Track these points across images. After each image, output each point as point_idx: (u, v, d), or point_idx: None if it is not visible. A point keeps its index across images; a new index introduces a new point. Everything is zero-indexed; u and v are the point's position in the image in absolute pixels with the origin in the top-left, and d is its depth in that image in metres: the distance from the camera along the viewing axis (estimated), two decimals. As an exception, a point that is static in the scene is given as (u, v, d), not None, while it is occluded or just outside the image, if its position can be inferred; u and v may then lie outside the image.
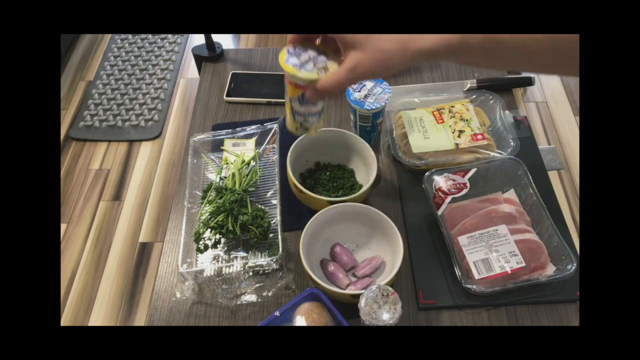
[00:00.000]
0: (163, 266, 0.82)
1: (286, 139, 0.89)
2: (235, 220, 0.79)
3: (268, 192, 0.87)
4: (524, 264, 0.74)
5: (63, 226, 1.82)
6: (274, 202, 0.85)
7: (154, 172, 1.96)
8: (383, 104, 0.85)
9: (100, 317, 1.61)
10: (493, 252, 0.75)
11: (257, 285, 0.78)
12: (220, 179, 0.87)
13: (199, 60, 1.14)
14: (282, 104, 1.04)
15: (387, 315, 0.63)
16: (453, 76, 1.07)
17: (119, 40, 2.46)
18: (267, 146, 0.92)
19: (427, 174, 0.84)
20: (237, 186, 0.83)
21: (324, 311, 0.70)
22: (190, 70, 2.34)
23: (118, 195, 1.90)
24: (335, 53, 0.63)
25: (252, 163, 0.88)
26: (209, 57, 1.13)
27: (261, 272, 0.79)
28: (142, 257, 1.74)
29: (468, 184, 0.83)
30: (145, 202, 1.88)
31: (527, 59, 0.57)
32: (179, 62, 2.36)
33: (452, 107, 0.91)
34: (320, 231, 0.79)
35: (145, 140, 2.07)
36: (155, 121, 2.12)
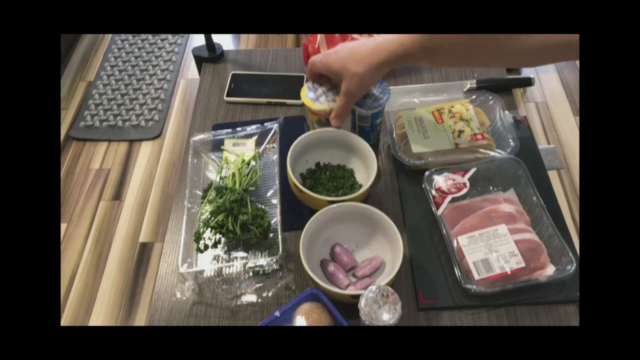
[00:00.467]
0: (163, 266, 0.83)
1: (286, 138, 0.90)
2: (236, 220, 0.79)
3: (268, 192, 0.87)
4: (523, 264, 0.74)
5: (63, 226, 1.82)
6: (274, 202, 0.85)
7: (154, 172, 1.97)
8: (382, 104, 0.85)
9: (100, 317, 1.61)
10: (493, 252, 0.75)
11: (257, 285, 0.78)
12: (221, 178, 0.87)
13: (199, 61, 1.14)
14: (282, 104, 1.04)
15: (387, 316, 0.63)
16: (453, 76, 1.07)
17: (119, 41, 2.46)
18: (267, 146, 0.92)
19: (427, 173, 0.84)
20: (237, 186, 0.83)
21: (324, 311, 0.70)
22: (190, 70, 2.34)
23: (118, 195, 1.90)
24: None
25: (252, 163, 0.88)
26: (209, 57, 1.13)
27: (261, 272, 0.79)
28: (142, 257, 1.74)
29: (468, 184, 0.83)
30: (145, 202, 1.88)
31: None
32: (179, 63, 2.36)
33: (452, 107, 0.91)
34: (320, 231, 0.79)
35: (145, 140, 2.07)
36: (156, 121, 2.12)
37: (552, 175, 1.88)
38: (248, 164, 0.87)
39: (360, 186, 0.85)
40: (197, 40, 2.36)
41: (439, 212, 0.81)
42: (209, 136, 0.93)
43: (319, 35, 1.06)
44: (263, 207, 0.84)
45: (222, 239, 0.81)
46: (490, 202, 0.81)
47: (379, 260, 0.77)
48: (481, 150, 0.86)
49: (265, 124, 0.93)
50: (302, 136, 0.85)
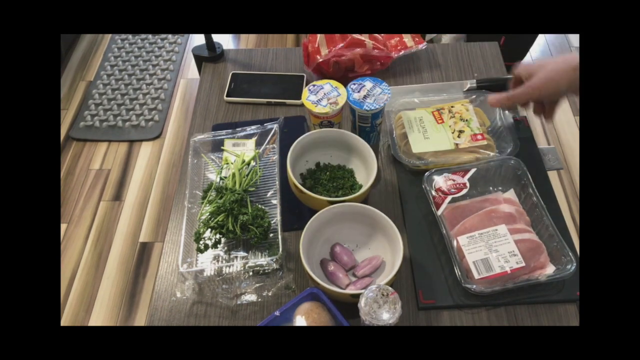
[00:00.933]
0: (163, 266, 0.83)
1: (286, 139, 0.90)
2: (236, 220, 0.79)
3: (268, 192, 0.87)
4: (523, 264, 0.74)
5: (63, 226, 1.82)
6: (274, 202, 0.85)
7: (154, 172, 1.96)
8: (382, 104, 0.85)
9: (100, 317, 1.61)
10: (493, 252, 0.75)
11: (257, 285, 0.78)
12: (221, 179, 0.87)
13: (199, 60, 1.14)
14: (282, 104, 1.04)
15: (387, 315, 0.63)
16: (453, 76, 1.07)
17: (119, 41, 2.46)
18: (267, 146, 0.92)
19: (427, 174, 0.84)
20: (237, 186, 0.83)
21: (324, 311, 0.70)
22: (190, 70, 2.34)
23: (118, 195, 1.90)
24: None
25: (252, 163, 0.88)
26: (209, 57, 1.13)
27: (261, 272, 0.79)
28: (142, 257, 1.74)
29: (468, 184, 0.83)
30: (145, 202, 1.88)
31: None
32: (179, 63, 2.36)
33: (452, 107, 0.91)
34: (320, 231, 0.79)
35: (145, 140, 2.07)
36: (156, 121, 2.12)
37: (552, 176, 1.88)
38: (248, 164, 0.87)
39: (360, 186, 0.85)
40: (197, 39, 2.36)
41: (439, 212, 0.81)
42: (209, 136, 0.93)
43: (318, 35, 1.06)
44: (263, 207, 0.84)
45: (222, 239, 0.81)
46: (490, 202, 0.81)
47: (379, 260, 0.77)
48: (481, 150, 0.86)
49: (265, 124, 0.93)
50: (302, 136, 0.85)
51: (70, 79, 2.32)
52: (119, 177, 1.95)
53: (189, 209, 0.84)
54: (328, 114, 0.85)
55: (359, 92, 0.87)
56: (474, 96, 0.95)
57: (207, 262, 0.81)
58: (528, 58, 2.26)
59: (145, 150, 2.04)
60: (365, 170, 0.86)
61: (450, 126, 0.89)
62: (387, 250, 0.78)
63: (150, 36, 2.48)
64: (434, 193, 0.83)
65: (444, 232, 0.79)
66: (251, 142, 0.92)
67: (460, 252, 0.76)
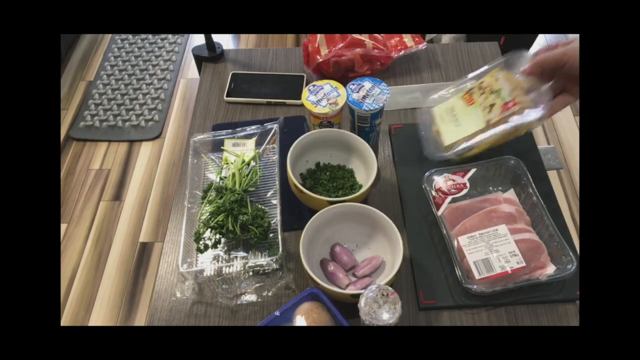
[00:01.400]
0: (163, 266, 0.83)
1: (286, 139, 0.90)
2: (235, 220, 0.79)
3: (268, 192, 0.87)
4: (524, 264, 0.74)
5: (63, 226, 1.82)
6: (274, 202, 0.85)
7: (154, 172, 1.96)
8: (381, 104, 0.85)
9: (100, 317, 1.61)
10: (493, 252, 0.75)
11: (257, 285, 0.78)
12: (221, 179, 0.87)
13: (199, 60, 1.14)
14: (282, 104, 1.04)
15: (387, 315, 0.63)
16: (453, 76, 1.07)
17: (119, 40, 2.46)
18: (267, 146, 0.92)
19: (427, 174, 0.84)
20: (237, 186, 0.83)
21: (324, 311, 0.70)
22: (190, 70, 2.34)
23: (118, 195, 1.90)
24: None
25: (252, 163, 0.88)
26: (209, 57, 1.13)
27: (261, 272, 0.79)
28: (142, 257, 1.74)
29: (468, 184, 0.83)
30: (145, 202, 1.88)
31: None
32: (179, 62, 2.36)
33: (482, 83, 0.83)
34: (320, 231, 0.79)
35: (145, 140, 2.07)
36: (156, 121, 2.12)
37: (552, 175, 1.88)
38: (248, 164, 0.87)
39: (360, 186, 0.85)
40: (197, 39, 2.36)
41: (439, 212, 0.81)
42: (209, 136, 0.93)
43: (318, 35, 1.06)
44: (263, 207, 0.84)
45: (222, 239, 0.81)
46: (490, 202, 0.81)
47: (379, 260, 0.77)
48: (510, 118, 0.78)
49: (265, 124, 0.93)
50: (302, 136, 0.85)
51: (70, 79, 2.32)
52: (119, 177, 1.95)
53: (189, 209, 0.84)
54: (328, 114, 0.85)
55: (357, 92, 0.87)
56: (500, 60, 0.85)
57: (207, 262, 0.81)
58: (528, 58, 2.25)
59: (145, 150, 2.04)
60: (365, 170, 0.86)
61: (480, 104, 0.81)
62: (387, 250, 0.78)
63: (150, 36, 2.48)
64: (434, 193, 0.83)
65: (444, 232, 0.79)
66: (251, 142, 0.92)
67: (461, 252, 0.76)
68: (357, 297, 0.66)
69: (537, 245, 0.76)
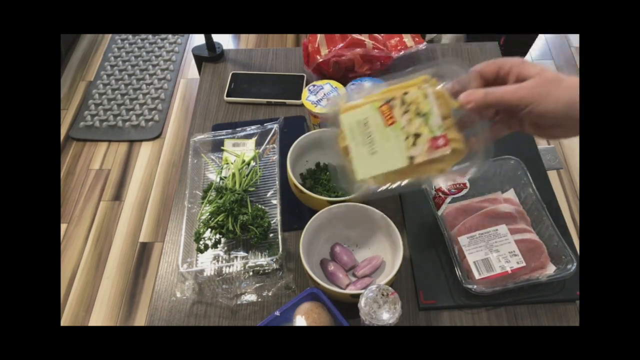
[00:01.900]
0: (163, 266, 0.83)
1: (286, 139, 0.89)
2: (235, 220, 0.79)
3: (268, 192, 0.87)
4: (524, 264, 0.74)
5: (63, 226, 1.82)
6: (274, 202, 0.85)
7: (154, 172, 1.96)
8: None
9: (100, 317, 1.61)
10: (493, 252, 0.75)
11: (257, 285, 0.78)
12: (221, 179, 0.87)
13: (199, 60, 1.14)
14: (282, 104, 1.04)
15: (387, 315, 0.63)
16: (453, 76, 1.07)
17: (119, 40, 2.46)
18: (267, 146, 0.92)
19: (427, 174, 0.84)
20: (237, 186, 0.83)
21: (324, 311, 0.70)
22: (190, 70, 2.34)
23: (118, 195, 1.90)
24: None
25: (252, 163, 0.88)
26: (209, 57, 1.13)
27: (261, 272, 0.79)
28: (142, 257, 1.74)
29: (468, 184, 0.83)
30: (145, 202, 1.88)
31: None
32: (179, 62, 2.36)
33: (405, 94, 0.57)
34: (320, 231, 0.79)
35: (145, 140, 2.07)
36: (156, 121, 2.12)
37: (552, 175, 1.88)
38: (248, 164, 0.87)
39: (360, 186, 0.85)
40: (197, 39, 2.36)
41: (440, 212, 0.81)
42: (209, 136, 0.93)
43: (318, 35, 1.06)
44: (263, 207, 0.84)
45: (222, 239, 0.81)
46: (490, 202, 0.81)
47: (379, 260, 0.77)
48: (440, 165, 0.57)
49: (265, 124, 0.93)
50: (302, 136, 0.85)
51: (70, 79, 2.32)
52: (119, 177, 1.95)
53: (189, 209, 0.84)
54: (326, 114, 0.85)
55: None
56: (431, 69, 0.59)
57: (207, 262, 0.81)
58: (528, 58, 2.26)
59: (145, 150, 2.04)
60: (365, 170, 0.86)
61: (403, 128, 0.57)
62: (387, 250, 0.78)
63: (150, 36, 2.48)
64: (434, 193, 0.83)
65: (444, 232, 0.79)
66: (251, 142, 0.92)
67: (461, 252, 0.76)
68: (357, 297, 0.66)
69: (537, 245, 0.76)
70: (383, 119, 0.58)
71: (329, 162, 0.90)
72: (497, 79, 0.56)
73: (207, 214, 0.81)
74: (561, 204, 0.93)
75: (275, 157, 0.90)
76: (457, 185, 0.83)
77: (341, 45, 1.03)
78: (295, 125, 0.98)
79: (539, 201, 0.80)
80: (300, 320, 0.68)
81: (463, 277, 0.74)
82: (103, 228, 1.81)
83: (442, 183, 0.83)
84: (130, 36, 2.48)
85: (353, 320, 0.71)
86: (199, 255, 0.82)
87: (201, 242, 0.79)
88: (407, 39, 1.09)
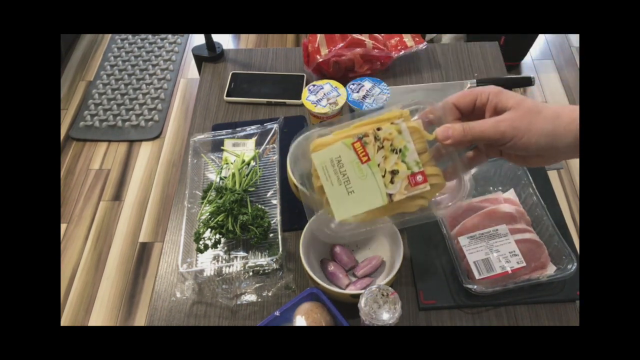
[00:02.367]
0: (163, 266, 0.82)
1: (286, 139, 0.89)
2: (235, 220, 0.79)
3: (268, 192, 0.87)
4: (524, 264, 0.74)
5: (63, 226, 1.82)
6: (274, 202, 0.85)
7: (154, 172, 1.96)
8: (381, 104, 0.85)
9: (100, 317, 1.61)
10: (493, 252, 0.75)
11: (257, 285, 0.78)
12: (221, 179, 0.87)
13: (199, 60, 1.14)
14: (282, 104, 1.04)
15: (387, 315, 0.62)
16: (453, 76, 1.07)
17: (119, 40, 2.46)
18: (267, 146, 0.92)
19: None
20: (237, 186, 0.83)
21: (324, 311, 0.70)
22: (190, 70, 2.34)
23: (118, 195, 1.90)
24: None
25: (252, 163, 0.88)
26: (209, 57, 1.13)
27: (261, 272, 0.79)
28: (142, 257, 1.74)
29: (472, 182, 0.83)
30: (145, 202, 1.88)
31: None
32: (179, 62, 2.36)
33: (378, 130, 0.55)
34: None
35: (145, 140, 2.07)
36: (156, 121, 2.12)
37: (552, 175, 1.88)
38: (248, 164, 0.87)
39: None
40: (197, 39, 2.36)
41: (439, 212, 0.81)
42: (209, 136, 0.93)
43: (318, 35, 1.06)
44: (263, 207, 0.84)
45: (222, 239, 0.81)
46: (490, 202, 0.81)
47: (379, 260, 0.77)
48: (420, 201, 0.57)
49: (265, 124, 0.93)
50: (303, 135, 0.85)
51: (70, 79, 2.32)
52: (119, 177, 1.95)
53: (189, 209, 0.83)
54: (327, 114, 0.85)
55: (358, 92, 0.87)
56: (412, 106, 0.58)
57: (207, 262, 0.81)
58: (528, 58, 2.26)
59: (145, 150, 2.04)
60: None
61: (379, 165, 0.56)
62: (387, 250, 0.78)
63: (150, 36, 2.48)
64: (434, 193, 0.83)
65: (445, 232, 0.79)
66: (251, 142, 0.92)
67: (461, 252, 0.76)
68: (357, 297, 0.66)
69: (537, 245, 0.76)
70: (357, 157, 0.56)
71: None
72: (474, 110, 0.55)
73: (207, 214, 0.81)
74: (561, 204, 0.93)
75: (275, 157, 0.90)
76: (457, 185, 0.83)
77: (341, 45, 1.03)
78: (295, 125, 0.98)
79: (539, 201, 0.80)
80: (300, 320, 0.68)
81: (463, 277, 0.74)
82: (103, 228, 1.81)
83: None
84: (130, 36, 2.48)
85: (353, 320, 0.71)
86: (199, 255, 0.82)
87: (201, 242, 0.79)
88: (407, 39, 1.09)
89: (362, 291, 0.65)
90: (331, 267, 0.76)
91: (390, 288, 0.65)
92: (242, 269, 0.79)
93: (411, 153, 0.55)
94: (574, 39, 2.37)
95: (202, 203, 0.84)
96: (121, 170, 1.98)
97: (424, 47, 1.08)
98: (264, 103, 1.04)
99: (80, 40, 2.48)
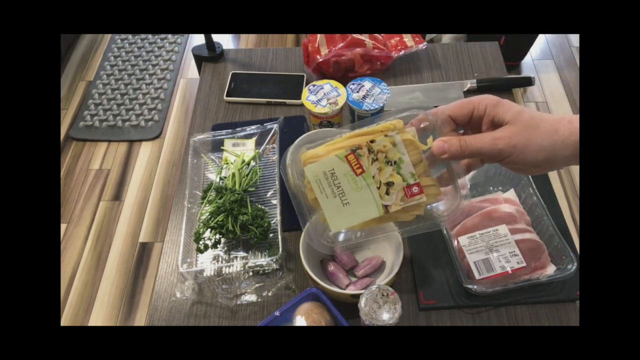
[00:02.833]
0: (163, 266, 0.82)
1: (286, 139, 0.89)
2: (235, 220, 0.79)
3: (268, 192, 0.87)
4: (524, 264, 0.74)
5: (63, 226, 1.82)
6: (274, 202, 0.85)
7: (154, 172, 1.96)
8: (381, 104, 0.85)
9: (100, 317, 1.61)
10: (493, 252, 0.75)
11: (257, 285, 0.78)
12: (220, 179, 0.87)
13: (199, 60, 1.14)
14: (282, 104, 1.04)
15: (387, 315, 0.62)
16: (453, 76, 1.07)
17: (119, 40, 2.46)
18: (267, 146, 0.92)
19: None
20: (237, 186, 0.83)
21: (324, 311, 0.70)
22: (190, 70, 2.34)
23: (118, 195, 1.90)
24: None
25: (252, 163, 0.88)
26: (209, 57, 1.13)
27: (261, 272, 0.79)
28: (142, 257, 1.74)
29: (468, 184, 0.83)
30: (145, 202, 1.88)
31: None
32: (179, 62, 2.36)
33: (372, 142, 0.55)
34: (320, 231, 0.79)
35: (145, 140, 2.07)
36: (155, 121, 2.12)
37: (552, 176, 1.88)
38: (248, 164, 0.87)
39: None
40: (197, 39, 2.36)
41: (439, 212, 0.81)
42: (209, 136, 0.93)
43: (318, 35, 1.06)
44: (263, 207, 0.84)
45: (222, 239, 0.81)
46: (490, 202, 0.81)
47: (379, 260, 0.77)
48: (416, 210, 0.57)
49: (265, 124, 0.93)
50: (303, 136, 0.85)
51: (70, 79, 2.32)
52: (119, 177, 1.95)
53: (189, 209, 0.83)
54: (328, 114, 0.85)
55: (358, 92, 0.87)
56: (404, 114, 0.57)
57: (207, 262, 0.81)
58: (528, 58, 2.26)
59: (145, 150, 2.04)
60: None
61: (374, 177, 0.56)
62: (387, 250, 0.78)
63: (150, 36, 2.48)
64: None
65: (445, 232, 0.79)
66: (251, 142, 0.92)
67: (461, 253, 0.76)
68: (357, 297, 0.66)
69: (537, 245, 0.76)
70: (351, 169, 0.56)
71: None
72: (471, 121, 0.55)
73: (207, 214, 0.81)
74: (561, 204, 0.93)
75: (275, 157, 0.90)
76: (457, 185, 0.83)
77: (341, 45, 1.03)
78: (295, 125, 0.98)
79: (539, 201, 0.80)
80: (300, 321, 0.68)
81: (463, 277, 0.74)
82: (103, 228, 1.81)
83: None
84: (130, 36, 2.48)
85: (353, 320, 0.71)
86: (199, 255, 0.82)
87: (201, 242, 0.79)
88: (407, 38, 1.09)
89: (362, 291, 0.65)
90: (331, 267, 0.76)
91: (390, 288, 0.65)
92: (242, 269, 0.79)
93: (406, 165, 0.55)
94: (574, 39, 2.37)
95: (202, 203, 0.84)
96: (121, 170, 1.98)
97: (424, 47, 1.08)
98: (264, 103, 1.04)
99: (80, 40, 2.48)
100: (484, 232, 0.77)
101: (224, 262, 0.81)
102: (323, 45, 1.04)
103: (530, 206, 0.81)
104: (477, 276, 0.74)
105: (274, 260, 0.77)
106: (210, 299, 0.78)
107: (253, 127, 0.92)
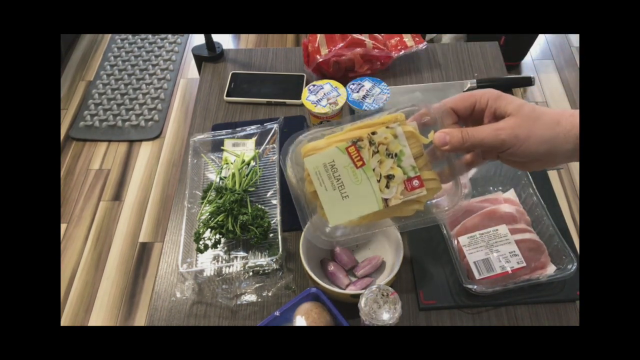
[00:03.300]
0: (163, 266, 0.82)
1: (286, 139, 0.89)
2: (235, 220, 0.79)
3: (268, 192, 0.87)
4: (524, 264, 0.74)
5: (63, 226, 1.82)
6: (274, 202, 0.85)
7: (154, 172, 1.96)
8: (381, 104, 0.85)
9: (100, 317, 1.60)
10: (493, 252, 0.75)
11: (257, 285, 0.78)
12: (220, 179, 0.87)
13: (199, 60, 1.14)
14: (282, 104, 1.04)
15: (387, 315, 0.62)
16: (453, 76, 1.07)
17: (119, 40, 2.46)
18: (267, 146, 0.92)
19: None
20: (237, 186, 0.83)
21: (324, 311, 0.70)
22: (190, 70, 2.34)
23: (118, 195, 1.90)
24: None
25: (252, 163, 0.88)
26: (209, 57, 1.13)
27: (261, 272, 0.79)
28: (142, 257, 1.74)
29: (468, 184, 0.83)
30: (145, 202, 1.88)
31: None
32: (179, 62, 2.36)
33: (373, 134, 0.54)
34: (320, 231, 0.79)
35: (145, 140, 2.07)
36: (155, 121, 2.12)
37: (552, 175, 1.88)
38: (248, 164, 0.87)
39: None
40: (197, 39, 2.36)
41: (439, 212, 0.81)
42: (209, 136, 0.93)
43: (318, 35, 1.06)
44: (263, 207, 0.84)
45: (222, 239, 0.81)
46: (490, 202, 0.81)
47: (379, 260, 0.77)
48: (416, 205, 0.56)
49: (265, 124, 0.93)
50: (303, 135, 0.85)
51: (70, 78, 2.32)
52: (119, 177, 1.95)
53: (189, 209, 0.83)
54: (327, 114, 0.85)
55: (358, 92, 0.87)
56: (406, 108, 0.57)
57: (207, 262, 0.81)
58: (528, 58, 2.26)
59: (145, 150, 2.04)
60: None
61: (374, 169, 0.55)
62: (387, 250, 0.78)
63: (150, 36, 2.48)
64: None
65: (445, 232, 0.79)
66: (251, 142, 0.92)
67: (461, 253, 0.76)
68: (357, 297, 0.66)
69: (537, 245, 0.76)
70: (352, 161, 0.56)
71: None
72: (472, 114, 0.54)
73: (207, 214, 0.81)
74: (561, 204, 0.92)
75: (275, 157, 0.90)
76: (457, 185, 0.83)
77: (341, 45, 1.03)
78: (295, 125, 0.98)
79: (539, 201, 0.80)
80: (300, 321, 0.68)
81: (463, 277, 0.74)
82: (103, 228, 1.81)
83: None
84: (130, 36, 2.48)
85: (353, 320, 0.71)
86: (199, 255, 0.82)
87: (201, 242, 0.79)
88: (407, 38, 1.09)
89: (362, 291, 0.65)
90: (331, 267, 0.76)
91: (390, 288, 0.65)
92: (242, 269, 0.79)
93: (407, 158, 0.54)
94: (574, 39, 2.37)
95: (202, 203, 0.84)
96: (121, 170, 1.98)
97: (424, 47, 1.08)
98: (264, 103, 1.04)
99: (80, 40, 2.48)
100: (484, 232, 0.77)
101: (224, 262, 0.81)
102: (323, 45, 1.04)
103: (530, 206, 0.81)
104: (477, 276, 0.74)
105: (274, 260, 0.77)
106: (210, 299, 0.78)
107: (253, 127, 0.92)
